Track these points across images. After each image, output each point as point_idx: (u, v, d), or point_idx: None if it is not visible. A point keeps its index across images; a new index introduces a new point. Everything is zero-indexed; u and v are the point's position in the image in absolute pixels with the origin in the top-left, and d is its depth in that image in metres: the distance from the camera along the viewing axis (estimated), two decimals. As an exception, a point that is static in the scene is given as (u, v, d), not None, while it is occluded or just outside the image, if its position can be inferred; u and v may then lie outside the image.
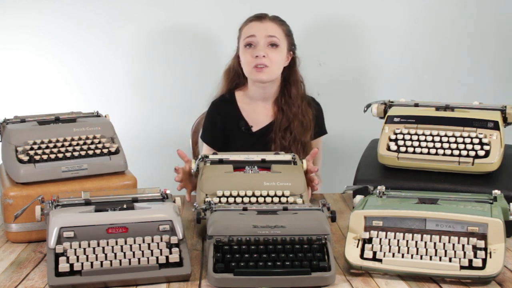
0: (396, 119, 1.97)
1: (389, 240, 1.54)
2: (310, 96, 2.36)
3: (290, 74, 2.30)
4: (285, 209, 1.62)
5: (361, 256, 1.52)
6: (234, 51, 2.35)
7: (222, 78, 2.38)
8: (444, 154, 1.85)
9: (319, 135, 2.34)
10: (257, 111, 2.31)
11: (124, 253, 1.49)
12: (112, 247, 1.50)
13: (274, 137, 2.26)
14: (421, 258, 1.49)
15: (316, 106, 2.35)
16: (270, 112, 2.31)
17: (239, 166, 1.90)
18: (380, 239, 1.54)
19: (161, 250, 1.51)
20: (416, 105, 2.04)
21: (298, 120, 2.26)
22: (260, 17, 2.25)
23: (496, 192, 1.67)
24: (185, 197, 2.18)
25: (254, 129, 2.31)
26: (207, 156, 1.94)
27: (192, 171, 1.91)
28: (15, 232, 1.77)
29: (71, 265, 1.46)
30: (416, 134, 1.92)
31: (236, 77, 2.34)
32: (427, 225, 1.53)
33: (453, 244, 1.50)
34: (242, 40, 2.26)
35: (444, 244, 1.50)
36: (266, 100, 2.31)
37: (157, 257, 1.49)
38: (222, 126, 2.31)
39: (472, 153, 1.83)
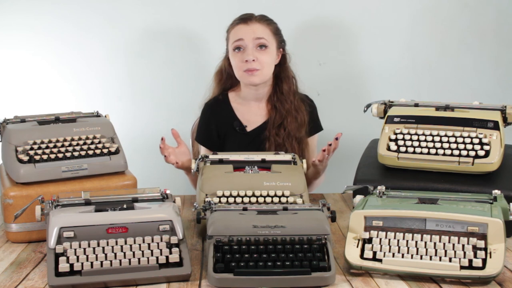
0: (396, 119, 1.97)
1: (389, 240, 1.54)
2: (303, 93, 2.36)
3: (281, 71, 2.29)
4: (285, 209, 1.62)
5: (361, 256, 1.52)
6: (223, 52, 2.34)
7: (213, 80, 2.37)
8: (444, 154, 1.85)
9: (314, 131, 2.34)
10: (251, 111, 2.31)
11: (124, 253, 1.49)
12: (112, 247, 1.50)
13: (268, 135, 2.25)
14: (421, 258, 1.49)
15: (310, 103, 2.34)
16: (264, 111, 2.31)
17: (239, 166, 1.90)
18: (380, 239, 1.54)
19: (161, 250, 1.51)
20: (416, 105, 2.04)
21: (292, 116, 2.26)
22: (245, 19, 2.23)
23: (496, 192, 1.67)
24: (185, 197, 2.19)
25: (248, 129, 2.30)
26: (207, 156, 1.94)
27: (192, 171, 1.92)
28: (15, 232, 1.77)
29: (71, 265, 1.46)
30: (416, 134, 1.92)
31: (228, 79, 2.34)
32: (427, 225, 1.53)
33: (453, 244, 1.50)
34: (230, 43, 2.24)
35: (444, 244, 1.50)
36: (260, 100, 2.31)
37: (157, 257, 1.49)
38: (216, 127, 2.31)
39: (472, 153, 1.83)
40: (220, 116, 2.31)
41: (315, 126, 2.34)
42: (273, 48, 2.23)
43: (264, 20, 2.25)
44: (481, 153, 1.83)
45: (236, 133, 2.30)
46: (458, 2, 2.75)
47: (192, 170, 1.91)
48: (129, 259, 1.48)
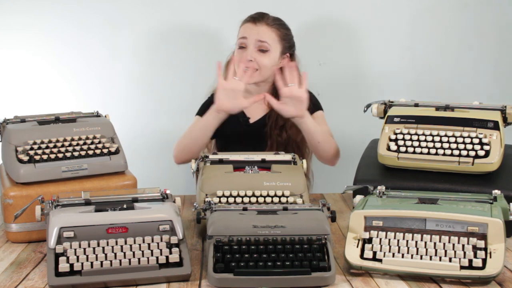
0: (396, 119, 1.97)
1: (389, 240, 1.54)
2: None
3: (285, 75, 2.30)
4: (285, 209, 1.62)
5: (361, 256, 1.53)
6: (235, 44, 2.36)
7: (224, 70, 2.40)
8: (444, 154, 1.85)
9: (314, 111, 2.31)
10: (253, 104, 2.34)
11: (124, 253, 1.49)
12: (112, 247, 1.50)
13: (270, 133, 2.29)
14: (421, 258, 1.49)
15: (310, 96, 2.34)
16: (265, 106, 2.35)
17: (239, 166, 1.90)
18: (380, 239, 1.54)
19: (161, 250, 1.51)
20: (416, 105, 2.04)
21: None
22: (255, 19, 2.27)
23: (496, 192, 1.67)
24: (185, 197, 2.19)
25: (251, 121, 2.35)
26: (207, 156, 1.95)
27: (192, 171, 1.92)
28: (15, 232, 1.77)
29: (71, 265, 1.46)
30: (416, 134, 1.92)
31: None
32: (427, 225, 1.53)
33: (453, 244, 1.50)
34: (237, 39, 2.29)
35: (444, 244, 1.50)
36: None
37: (157, 257, 1.49)
38: None
39: (472, 153, 1.83)
40: None
41: (314, 107, 2.31)
42: (275, 52, 2.26)
43: (274, 24, 2.27)
44: (481, 153, 1.82)
45: (240, 125, 2.33)
46: (458, 2, 2.75)
47: (192, 170, 1.92)
48: (129, 259, 1.48)
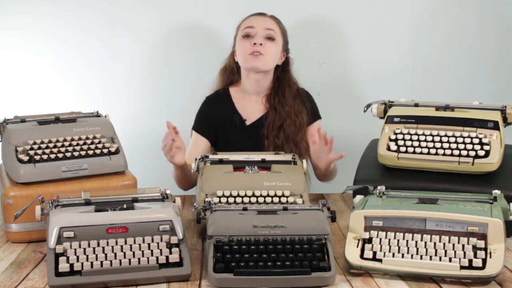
0: (396, 119, 1.97)
1: (389, 240, 1.54)
2: (301, 87, 2.37)
3: (283, 74, 2.34)
4: (285, 209, 1.62)
5: (361, 256, 1.53)
6: (230, 48, 2.36)
7: (218, 76, 2.42)
8: (444, 154, 1.85)
9: (313, 120, 2.35)
10: (250, 105, 2.35)
11: (124, 253, 1.49)
12: (112, 247, 1.50)
13: (267, 134, 2.28)
14: (421, 258, 1.49)
15: (307, 97, 2.37)
16: (262, 106, 2.35)
17: (239, 166, 1.90)
18: (380, 239, 1.54)
19: (161, 250, 1.51)
20: (416, 105, 2.04)
21: (291, 119, 2.28)
22: (259, 13, 2.32)
23: (496, 192, 1.67)
24: (185, 197, 2.19)
25: (247, 123, 2.34)
26: (207, 156, 1.95)
27: (192, 171, 1.92)
28: (15, 232, 1.77)
29: (71, 265, 1.46)
30: (416, 134, 1.92)
31: (231, 75, 2.38)
32: (427, 225, 1.53)
33: (453, 244, 1.50)
34: (240, 32, 2.29)
35: (444, 244, 1.50)
36: (259, 94, 2.34)
37: (157, 257, 1.49)
38: (216, 119, 2.33)
39: (472, 153, 1.84)
40: (220, 109, 2.35)
41: (313, 115, 2.36)
42: (279, 43, 2.29)
43: (276, 18, 2.33)
44: (481, 153, 1.83)
45: (236, 126, 2.32)
46: (458, 2, 2.75)
47: (192, 170, 1.91)
48: (129, 259, 1.48)
